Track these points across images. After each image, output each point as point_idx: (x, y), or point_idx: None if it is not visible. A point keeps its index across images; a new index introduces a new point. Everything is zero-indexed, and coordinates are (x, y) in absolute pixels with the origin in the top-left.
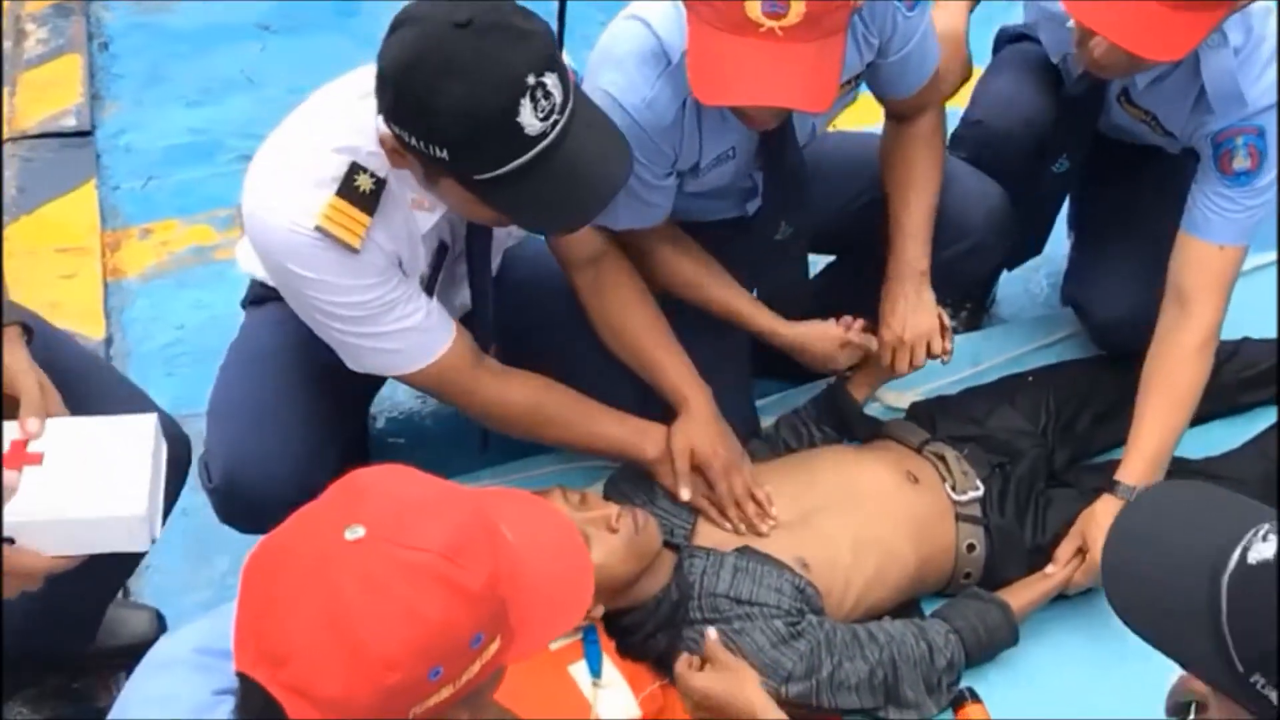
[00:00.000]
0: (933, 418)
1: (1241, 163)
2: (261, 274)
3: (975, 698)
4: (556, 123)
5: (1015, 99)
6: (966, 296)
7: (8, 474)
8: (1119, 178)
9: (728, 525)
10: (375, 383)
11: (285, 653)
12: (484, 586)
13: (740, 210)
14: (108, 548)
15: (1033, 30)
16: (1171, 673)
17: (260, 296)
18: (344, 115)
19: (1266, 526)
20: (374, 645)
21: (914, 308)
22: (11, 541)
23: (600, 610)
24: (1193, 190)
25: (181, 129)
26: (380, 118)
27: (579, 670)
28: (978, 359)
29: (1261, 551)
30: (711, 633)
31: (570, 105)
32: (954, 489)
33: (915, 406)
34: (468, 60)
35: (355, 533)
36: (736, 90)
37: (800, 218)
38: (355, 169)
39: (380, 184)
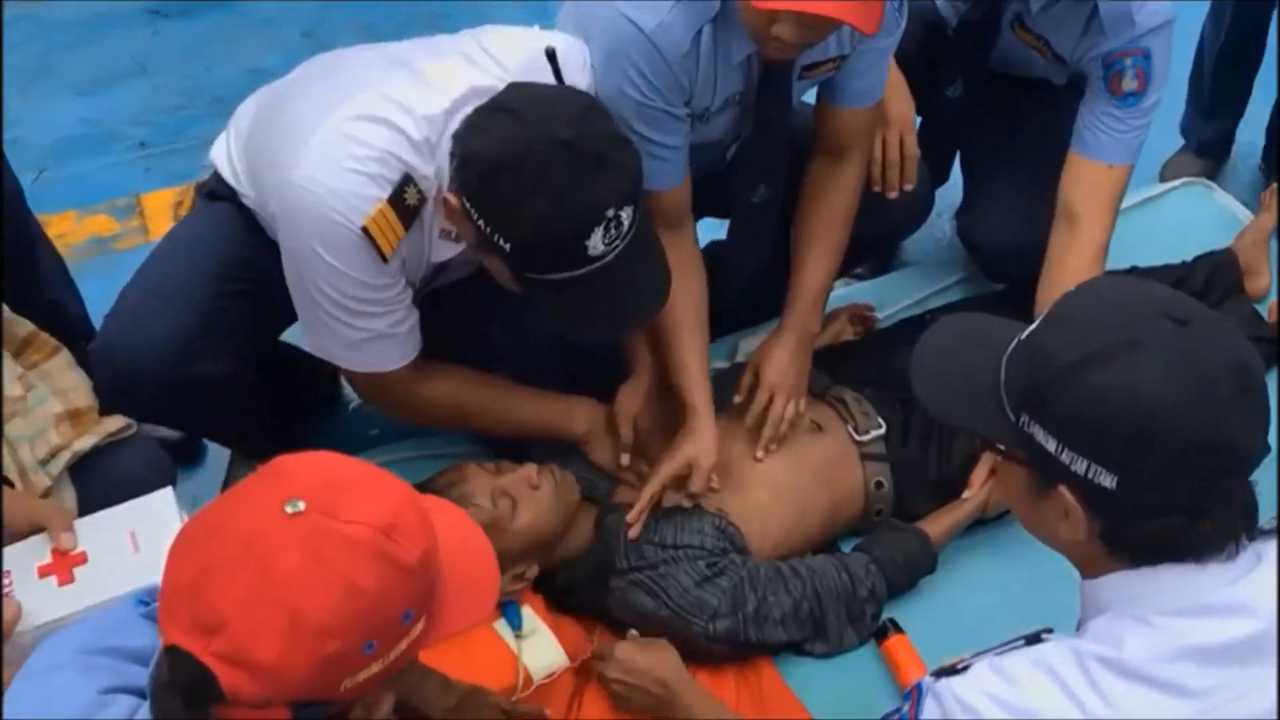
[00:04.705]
0: (834, 364)
1: (1129, 84)
2: (229, 174)
3: (898, 629)
4: (616, 247)
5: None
6: (872, 251)
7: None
8: (1001, 114)
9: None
10: (292, 307)
11: (220, 621)
12: (418, 563)
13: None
14: None
15: None
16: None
17: (216, 193)
18: (405, 127)
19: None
20: (313, 614)
21: (794, 364)
22: None
23: (535, 571)
24: (1081, 112)
25: (73, 119)
26: (453, 182)
27: (503, 626)
28: (881, 304)
29: (1023, 333)
30: (632, 633)
31: (634, 231)
32: (856, 430)
33: (817, 354)
34: (558, 181)
35: (296, 506)
36: None
37: (778, 181)
38: (408, 180)
39: (422, 203)
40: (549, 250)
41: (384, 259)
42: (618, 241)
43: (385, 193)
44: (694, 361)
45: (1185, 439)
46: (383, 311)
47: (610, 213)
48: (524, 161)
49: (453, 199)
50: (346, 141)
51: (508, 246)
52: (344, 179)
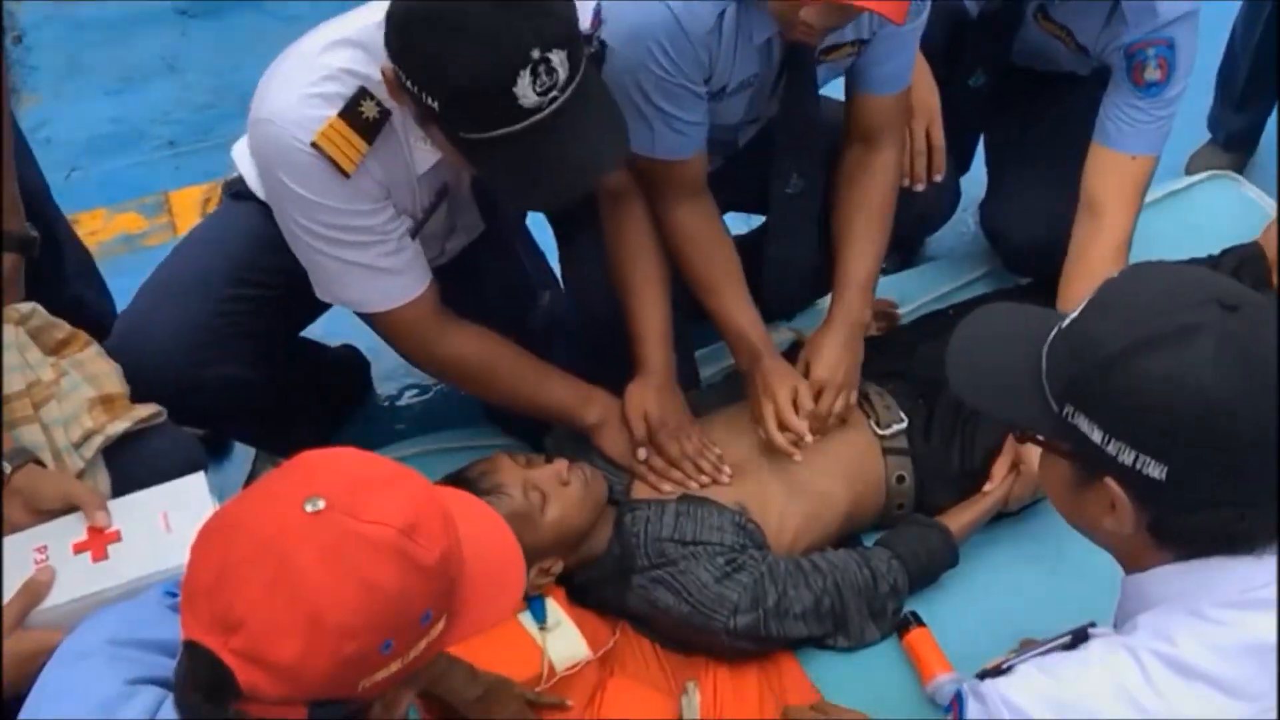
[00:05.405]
0: None
1: (1152, 74)
2: (251, 177)
3: (919, 622)
4: (555, 99)
5: None
6: (898, 245)
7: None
8: (1025, 105)
9: (667, 487)
10: (310, 308)
11: (239, 618)
12: (438, 563)
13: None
14: None
15: None
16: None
17: (241, 192)
18: (362, 38)
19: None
20: (332, 613)
21: (845, 357)
22: None
23: (560, 566)
24: (1104, 103)
25: (103, 118)
26: (385, 51)
27: (527, 618)
28: (904, 300)
29: (1064, 321)
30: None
31: (574, 85)
32: (878, 424)
33: None
34: (478, 23)
35: (316, 505)
36: None
37: (813, 170)
38: (363, 94)
39: (385, 115)
40: (476, 101)
41: (345, 174)
42: (554, 92)
43: (335, 108)
44: (742, 312)
45: (1237, 428)
46: (367, 241)
47: (536, 54)
48: (441, 9)
49: (388, 71)
50: (304, 70)
51: (437, 105)
52: (298, 105)
